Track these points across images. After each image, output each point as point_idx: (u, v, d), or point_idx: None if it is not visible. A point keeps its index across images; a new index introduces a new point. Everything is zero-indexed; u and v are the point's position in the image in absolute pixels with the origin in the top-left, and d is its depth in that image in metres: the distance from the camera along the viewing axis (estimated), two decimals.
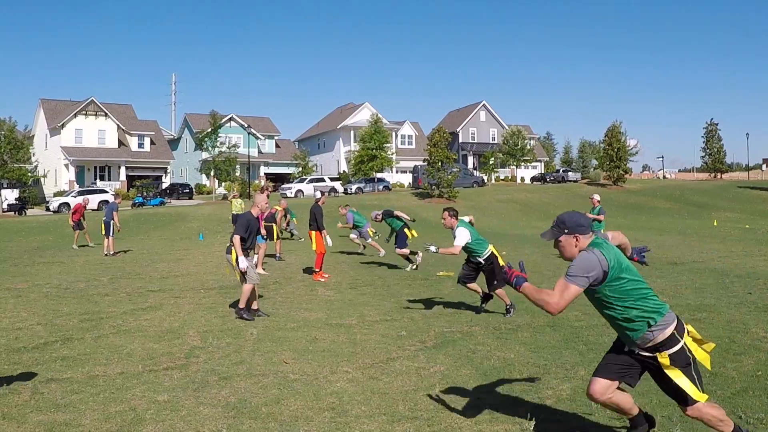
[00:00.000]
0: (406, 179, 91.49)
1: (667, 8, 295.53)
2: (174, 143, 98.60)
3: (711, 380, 8.10)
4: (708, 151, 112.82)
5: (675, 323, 5.99)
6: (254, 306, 12.74)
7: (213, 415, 7.12)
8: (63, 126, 78.55)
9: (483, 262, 12.93)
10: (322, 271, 18.53)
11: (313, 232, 18.52)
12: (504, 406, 7.28)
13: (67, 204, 60.07)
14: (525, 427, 6.63)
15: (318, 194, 19.44)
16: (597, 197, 24.15)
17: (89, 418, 7.03)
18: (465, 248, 12.79)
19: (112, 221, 25.98)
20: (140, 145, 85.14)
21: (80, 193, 62.50)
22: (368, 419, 6.96)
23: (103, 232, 26.31)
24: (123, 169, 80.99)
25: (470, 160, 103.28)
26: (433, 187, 67.03)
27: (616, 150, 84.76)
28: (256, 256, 16.55)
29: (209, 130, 75.05)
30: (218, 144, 73.92)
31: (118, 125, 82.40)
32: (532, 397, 7.60)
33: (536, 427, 6.65)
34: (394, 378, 8.44)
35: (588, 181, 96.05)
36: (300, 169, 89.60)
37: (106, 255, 25.14)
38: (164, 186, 79.69)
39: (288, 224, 32.45)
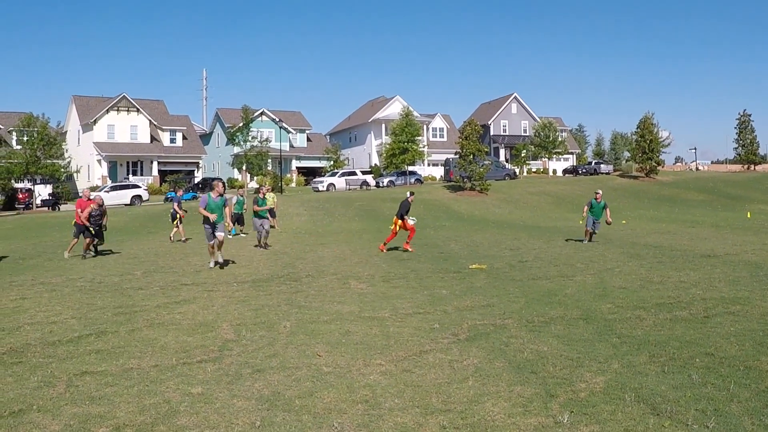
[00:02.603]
0: (438, 172, 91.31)
1: None
2: (206, 138, 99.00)
3: (745, 374, 8.04)
4: (741, 142, 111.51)
5: None
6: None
7: (247, 407, 7.15)
8: (95, 122, 79.06)
9: None
10: (407, 244, 23.87)
11: (399, 220, 23.64)
12: (537, 399, 7.26)
13: None
14: (558, 420, 6.61)
15: (408, 194, 24.01)
16: (600, 193, 25.08)
17: (124, 410, 7.08)
18: None
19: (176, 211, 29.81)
20: (172, 140, 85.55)
21: (113, 188, 62.97)
22: (401, 412, 6.96)
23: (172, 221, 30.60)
24: (155, 164, 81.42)
25: (502, 152, 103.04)
26: (465, 179, 66.72)
27: (648, 142, 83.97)
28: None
29: (241, 124, 75.18)
30: (250, 138, 74.03)
31: (150, 121, 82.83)
32: (565, 390, 7.57)
33: (570, 419, 6.62)
34: (428, 371, 8.43)
35: (620, 173, 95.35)
36: (332, 162, 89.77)
37: (179, 241, 29.42)
38: (196, 180, 79.96)
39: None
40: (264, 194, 26.13)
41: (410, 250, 23.48)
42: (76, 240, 23.73)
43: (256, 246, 25.40)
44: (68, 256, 22.98)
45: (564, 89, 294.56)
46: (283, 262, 20.58)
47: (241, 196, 32.64)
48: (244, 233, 31.78)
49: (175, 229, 29.96)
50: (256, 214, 25.29)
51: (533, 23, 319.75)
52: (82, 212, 23.37)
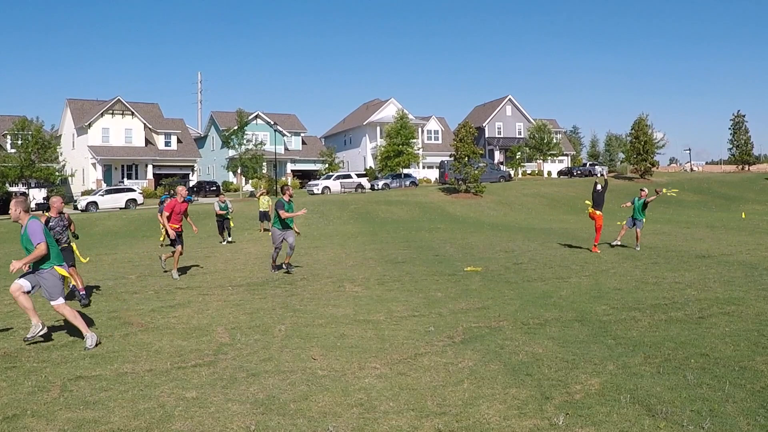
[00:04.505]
0: (433, 174, 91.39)
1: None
2: (201, 141, 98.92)
3: (740, 374, 8.05)
4: (735, 143, 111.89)
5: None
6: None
7: (241, 411, 7.14)
8: (90, 125, 78.98)
9: None
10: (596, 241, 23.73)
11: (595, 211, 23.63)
12: (532, 401, 7.26)
13: (95, 203, 60.39)
14: (554, 422, 6.61)
15: (599, 174, 22.87)
16: (645, 191, 24.53)
17: (118, 415, 7.07)
18: None
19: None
20: (167, 144, 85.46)
21: (108, 192, 62.92)
22: (396, 415, 6.95)
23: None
24: (150, 168, 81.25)
25: (497, 154, 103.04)
26: (460, 182, 66.72)
27: (642, 143, 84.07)
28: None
29: (236, 127, 75.26)
30: (245, 141, 74.07)
31: (144, 124, 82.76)
32: (560, 391, 7.57)
33: (565, 422, 6.62)
34: (423, 373, 8.43)
35: (615, 174, 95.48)
36: (327, 165, 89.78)
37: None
38: (191, 184, 79.97)
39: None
40: (290, 196, 19.38)
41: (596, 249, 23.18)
42: (179, 248, 18.40)
43: (285, 270, 18.93)
44: (176, 275, 18.24)
45: (558, 91, 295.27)
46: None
47: (223, 201, 31.31)
48: (231, 241, 31.08)
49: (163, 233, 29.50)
50: (282, 223, 18.82)
51: (527, 25, 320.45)
52: (170, 216, 18.26)
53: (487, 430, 6.52)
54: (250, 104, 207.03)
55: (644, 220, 24.18)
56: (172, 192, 59.76)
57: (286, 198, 18.89)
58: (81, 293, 14.29)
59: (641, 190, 24.86)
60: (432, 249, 25.09)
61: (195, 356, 9.49)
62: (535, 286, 15.53)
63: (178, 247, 18.32)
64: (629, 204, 24.57)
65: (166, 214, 18.27)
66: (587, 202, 24.54)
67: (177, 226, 18.34)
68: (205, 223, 41.60)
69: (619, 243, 24.18)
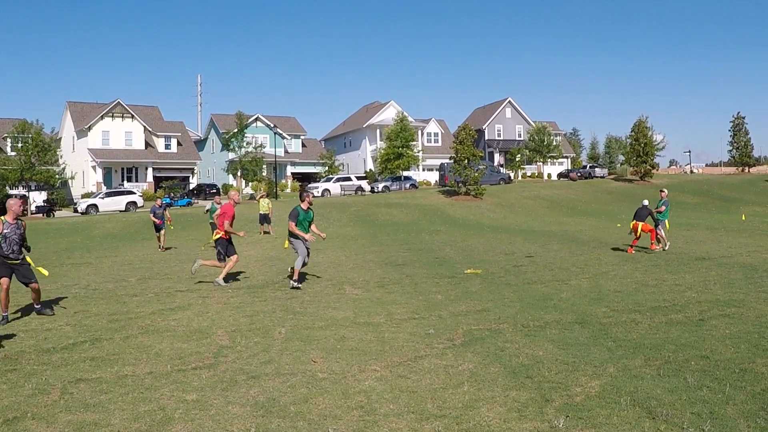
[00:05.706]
0: (433, 177, 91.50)
1: (692, 1, 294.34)
2: (200, 144, 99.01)
3: (740, 376, 8.04)
4: (735, 144, 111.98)
5: None
6: None
7: (242, 414, 7.13)
8: (90, 128, 78.95)
9: None
10: (653, 244, 23.80)
11: (638, 223, 23.61)
12: (533, 404, 7.25)
13: (95, 206, 60.47)
14: (554, 425, 6.60)
15: (645, 202, 24.27)
16: (665, 192, 25.07)
17: (118, 417, 7.07)
18: None
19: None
20: (167, 146, 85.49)
21: (108, 195, 62.94)
22: (397, 417, 6.94)
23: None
24: (150, 170, 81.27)
25: (496, 157, 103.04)
26: (460, 184, 66.72)
27: (642, 145, 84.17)
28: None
29: (235, 130, 75.23)
30: (245, 144, 74.03)
31: (144, 127, 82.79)
32: (560, 394, 7.56)
33: (565, 424, 6.62)
34: (423, 376, 8.42)
35: (615, 176, 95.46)
36: (327, 168, 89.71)
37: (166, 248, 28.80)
38: (191, 186, 79.95)
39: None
40: (309, 203, 17.07)
41: (656, 249, 23.53)
42: (223, 262, 17.58)
43: (296, 285, 16.31)
44: (224, 284, 16.95)
45: (558, 93, 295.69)
46: (278, 268, 20.56)
47: (218, 203, 30.71)
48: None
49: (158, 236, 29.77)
50: (292, 234, 16.83)
51: (527, 27, 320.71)
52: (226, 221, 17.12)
53: None
54: (250, 107, 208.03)
55: (666, 220, 24.45)
56: (172, 194, 59.44)
57: (304, 206, 16.76)
58: (37, 306, 13.34)
59: (660, 191, 25.20)
60: (432, 251, 25.08)
61: (195, 359, 9.49)
62: (535, 288, 15.52)
63: (234, 257, 17.35)
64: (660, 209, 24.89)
65: (227, 222, 17.06)
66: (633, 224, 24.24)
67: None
68: (204, 226, 41.56)
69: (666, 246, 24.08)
